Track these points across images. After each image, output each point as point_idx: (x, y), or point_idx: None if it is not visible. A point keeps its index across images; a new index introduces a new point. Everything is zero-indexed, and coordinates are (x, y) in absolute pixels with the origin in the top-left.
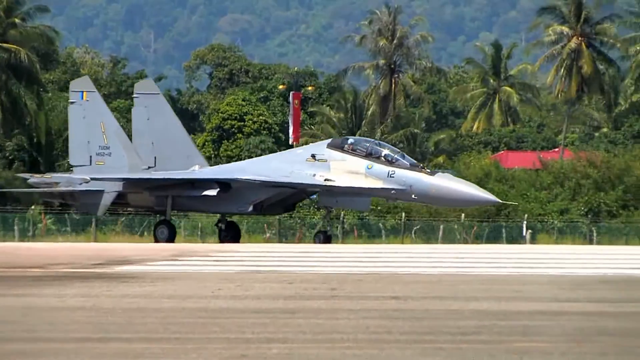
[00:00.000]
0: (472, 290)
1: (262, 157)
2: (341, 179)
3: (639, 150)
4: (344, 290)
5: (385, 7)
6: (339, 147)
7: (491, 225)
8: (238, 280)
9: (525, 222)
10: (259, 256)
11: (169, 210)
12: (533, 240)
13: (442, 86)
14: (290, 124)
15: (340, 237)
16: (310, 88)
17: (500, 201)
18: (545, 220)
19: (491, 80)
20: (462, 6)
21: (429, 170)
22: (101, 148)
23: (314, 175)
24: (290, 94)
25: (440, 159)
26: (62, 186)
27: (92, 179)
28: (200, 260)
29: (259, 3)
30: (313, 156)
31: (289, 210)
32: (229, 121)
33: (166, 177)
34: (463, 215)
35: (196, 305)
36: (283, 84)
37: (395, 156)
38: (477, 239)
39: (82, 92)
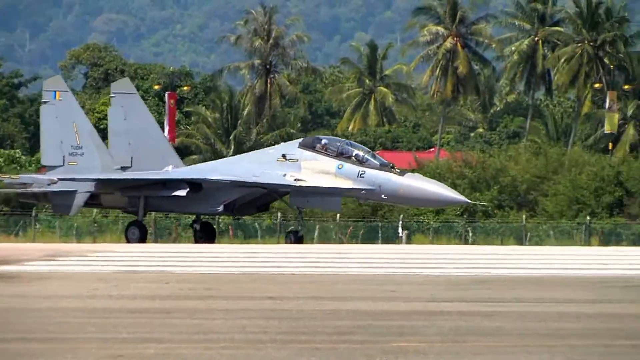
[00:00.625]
0: (349, 290)
1: (235, 156)
2: (312, 179)
3: (514, 150)
4: (220, 290)
5: (260, 7)
6: (311, 147)
7: (367, 225)
8: (114, 280)
9: (400, 222)
10: (136, 256)
11: (142, 211)
12: (409, 240)
13: (318, 86)
14: (165, 124)
15: (215, 238)
16: (185, 88)
17: (471, 201)
18: (421, 220)
19: (367, 81)
20: (337, 6)
21: (398, 171)
22: (74, 148)
23: (285, 175)
24: (166, 94)
25: None
26: (35, 187)
27: (59, 179)
28: (77, 260)
29: (135, 3)
30: (284, 156)
31: (262, 210)
32: (105, 121)
33: (136, 177)
34: (339, 215)
35: (72, 305)
36: (159, 84)
37: (366, 156)
38: (353, 238)
39: (55, 91)
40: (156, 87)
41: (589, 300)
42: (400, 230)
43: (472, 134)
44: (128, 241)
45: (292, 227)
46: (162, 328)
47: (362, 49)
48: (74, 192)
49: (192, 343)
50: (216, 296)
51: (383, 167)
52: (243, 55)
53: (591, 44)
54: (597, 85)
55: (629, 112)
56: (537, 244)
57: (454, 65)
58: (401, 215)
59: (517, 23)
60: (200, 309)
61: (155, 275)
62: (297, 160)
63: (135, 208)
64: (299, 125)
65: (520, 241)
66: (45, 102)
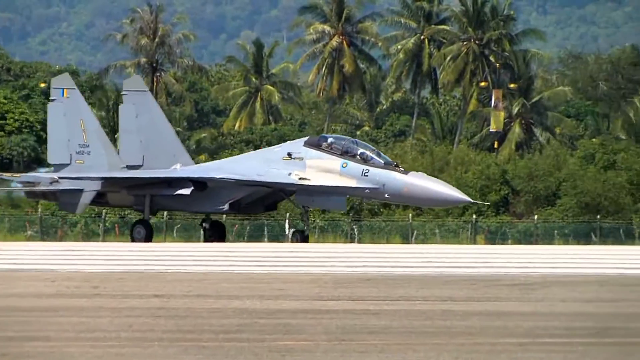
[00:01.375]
0: (235, 289)
1: (241, 155)
2: (316, 178)
3: (400, 149)
4: (106, 288)
5: (147, 6)
6: (316, 145)
7: (253, 223)
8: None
9: (287, 220)
10: (21, 254)
11: (147, 210)
12: (295, 238)
13: (204, 84)
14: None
15: (101, 236)
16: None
17: (472, 200)
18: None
19: (253, 79)
20: (223, 5)
21: (402, 169)
22: (81, 146)
23: (289, 174)
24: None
25: (202, 157)
26: (42, 185)
27: (60, 178)
28: None
29: (20, 1)
30: (289, 154)
31: (270, 209)
32: None
33: (140, 175)
34: (225, 216)
35: None
36: (44, 82)
37: (371, 154)
38: (240, 237)
39: (63, 89)
40: (42, 85)
41: (474, 298)
42: (287, 228)
43: (358, 132)
44: (133, 240)
45: (296, 227)
46: (48, 326)
47: (248, 47)
48: (81, 190)
49: (78, 341)
50: (103, 294)
51: (387, 165)
52: (129, 53)
53: (477, 42)
54: (482, 83)
55: (515, 111)
56: (422, 242)
57: (340, 63)
58: (288, 214)
59: (403, 21)
60: (87, 307)
61: (41, 274)
62: (302, 159)
63: (142, 207)
64: (185, 123)
65: (406, 239)
66: (53, 100)
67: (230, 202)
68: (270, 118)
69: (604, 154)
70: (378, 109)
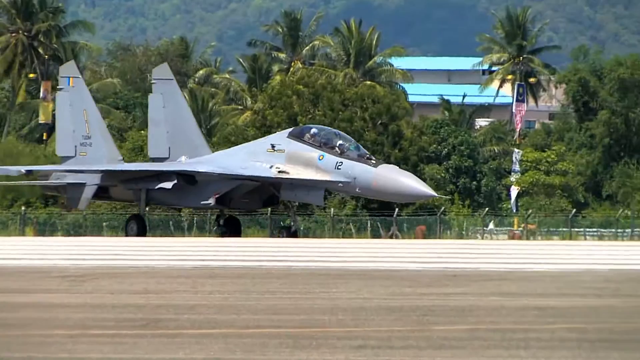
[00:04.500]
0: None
1: (235, 147)
2: (294, 171)
3: None
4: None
5: None
6: (298, 137)
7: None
8: None
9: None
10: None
11: (143, 205)
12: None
13: None
14: None
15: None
16: None
17: (437, 195)
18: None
19: None
20: None
21: (373, 162)
22: (84, 138)
23: (271, 167)
24: None
25: None
26: (52, 179)
27: (26, 171)
28: None
29: None
30: (272, 146)
31: (268, 205)
32: None
33: (129, 169)
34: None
35: None
36: None
37: (348, 146)
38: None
39: (69, 77)
40: None
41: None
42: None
43: None
44: (127, 235)
45: (283, 224)
46: None
47: None
48: (83, 184)
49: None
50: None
51: (360, 157)
52: None
53: (25, 34)
54: (31, 75)
55: None
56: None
57: None
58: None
59: None
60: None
61: None
62: (284, 151)
63: (142, 201)
64: None
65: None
66: (60, 89)
67: (216, 196)
68: None
69: None
70: None
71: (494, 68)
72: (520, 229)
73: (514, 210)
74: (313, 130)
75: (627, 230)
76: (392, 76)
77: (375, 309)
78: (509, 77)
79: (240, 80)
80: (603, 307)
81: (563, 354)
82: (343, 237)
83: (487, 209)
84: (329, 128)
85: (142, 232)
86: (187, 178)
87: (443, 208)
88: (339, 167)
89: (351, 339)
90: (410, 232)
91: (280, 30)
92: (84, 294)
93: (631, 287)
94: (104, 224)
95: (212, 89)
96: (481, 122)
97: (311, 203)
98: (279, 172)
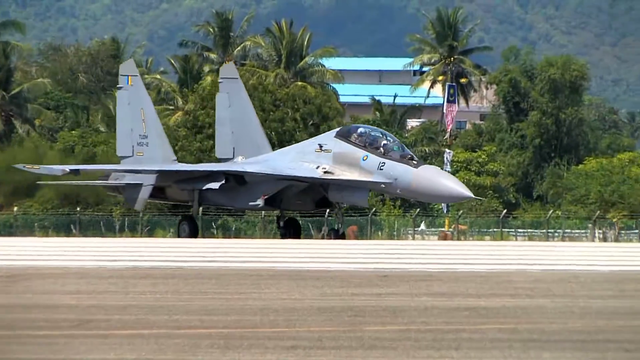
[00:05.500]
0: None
1: (291, 146)
2: (339, 171)
3: None
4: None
5: None
6: (346, 137)
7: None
8: None
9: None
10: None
11: (196, 206)
12: None
13: None
14: None
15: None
16: None
17: (474, 196)
18: None
19: None
20: None
21: (415, 162)
22: (141, 137)
23: (317, 167)
24: None
25: None
26: (111, 179)
27: (71, 170)
28: None
29: None
30: (320, 146)
31: (321, 206)
32: None
33: (177, 169)
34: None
35: None
36: None
37: (392, 146)
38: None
39: (128, 76)
40: None
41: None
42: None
43: None
44: (178, 236)
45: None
46: None
47: None
48: (140, 185)
49: None
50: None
51: (402, 158)
52: None
53: None
54: None
55: None
56: None
57: None
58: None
59: None
60: None
61: None
62: (331, 151)
63: (194, 202)
64: None
65: None
66: (120, 88)
67: (265, 197)
68: None
69: (84, 146)
70: None
71: (425, 69)
72: (451, 229)
73: (445, 211)
74: (360, 130)
75: (557, 231)
76: (323, 77)
77: (307, 310)
78: (440, 77)
79: (172, 81)
80: (534, 307)
81: (494, 354)
82: (274, 238)
83: (418, 209)
84: (376, 128)
85: (194, 234)
86: (238, 179)
87: (374, 209)
88: (382, 167)
89: (282, 340)
90: None
91: (211, 30)
92: (15, 294)
93: (561, 288)
94: (36, 224)
95: None
96: (412, 123)
97: (356, 204)
98: (325, 172)
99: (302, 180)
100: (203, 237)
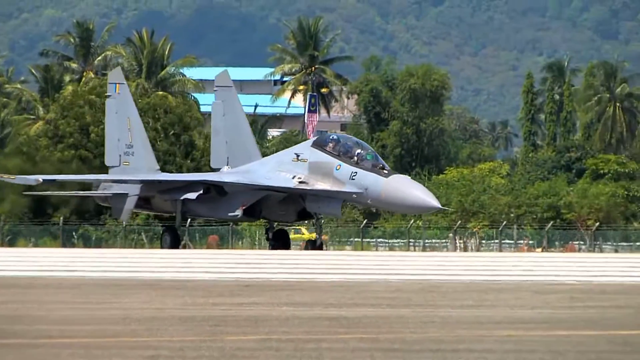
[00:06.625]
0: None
1: (271, 155)
2: (313, 181)
3: None
4: None
5: None
6: (321, 146)
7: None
8: None
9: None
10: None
11: (178, 216)
12: None
13: None
14: None
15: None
16: None
17: (442, 207)
18: None
19: None
20: None
21: (386, 171)
22: (127, 147)
23: (293, 177)
24: None
25: None
26: (99, 190)
27: (44, 180)
28: None
29: None
30: (297, 155)
31: (303, 217)
32: None
33: (151, 179)
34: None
35: None
36: None
37: (365, 155)
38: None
39: (116, 84)
40: None
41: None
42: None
43: None
44: (161, 247)
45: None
46: None
47: None
48: (126, 195)
49: None
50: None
51: (373, 167)
52: None
53: None
54: None
55: None
56: None
57: None
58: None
59: None
60: None
61: None
62: (307, 161)
63: (177, 212)
64: None
65: None
66: (108, 96)
67: (244, 207)
68: None
69: None
70: None
71: (286, 78)
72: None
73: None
74: (334, 138)
75: (418, 241)
76: (184, 86)
77: (168, 319)
78: (301, 87)
79: (33, 90)
80: (395, 317)
81: None
82: (135, 247)
83: None
84: (351, 137)
85: (175, 244)
86: (219, 189)
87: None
88: (354, 177)
89: (144, 349)
90: (203, 242)
91: (72, 40)
92: None
93: (422, 297)
94: None
95: (4, 99)
96: (273, 133)
97: (331, 215)
98: (300, 182)
99: (278, 190)
100: (64, 246)
